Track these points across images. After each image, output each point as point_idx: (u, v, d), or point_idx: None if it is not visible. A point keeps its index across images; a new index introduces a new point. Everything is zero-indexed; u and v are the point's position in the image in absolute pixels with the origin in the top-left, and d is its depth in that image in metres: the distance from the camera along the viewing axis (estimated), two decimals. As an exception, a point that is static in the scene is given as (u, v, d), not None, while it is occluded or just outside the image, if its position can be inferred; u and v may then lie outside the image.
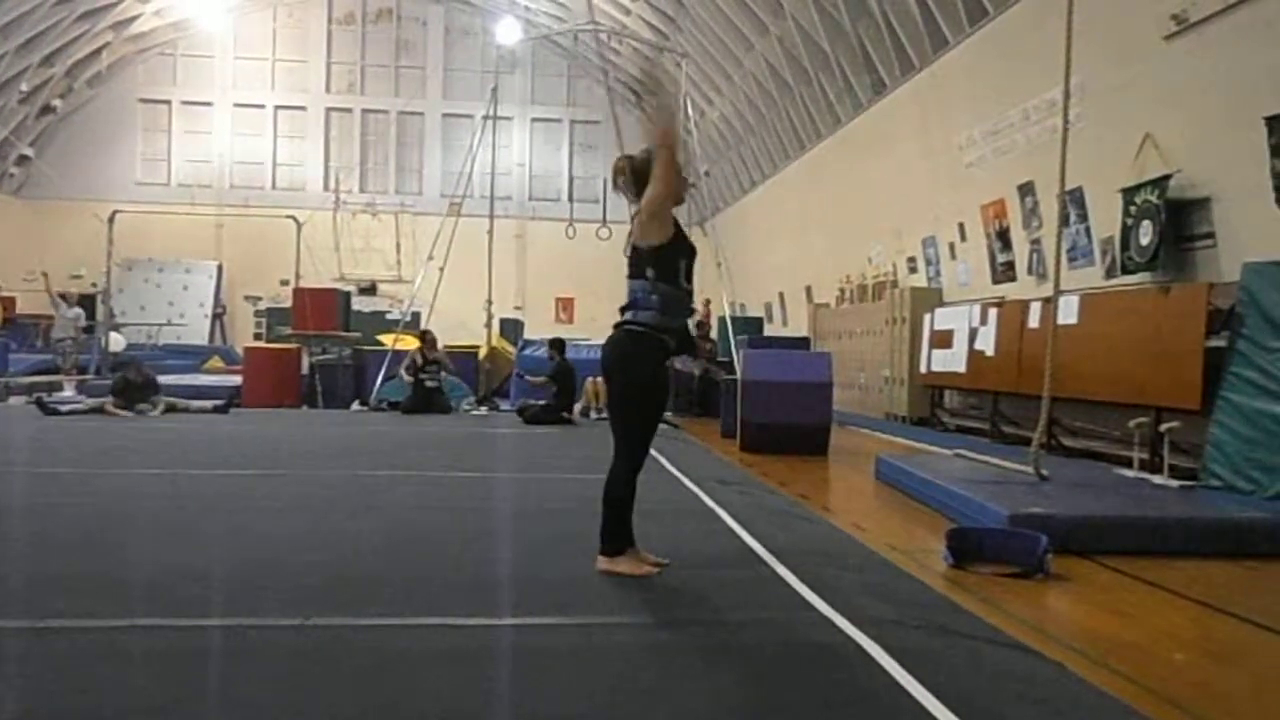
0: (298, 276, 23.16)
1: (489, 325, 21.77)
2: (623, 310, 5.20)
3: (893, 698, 3.39)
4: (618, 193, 5.38)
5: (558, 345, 16.06)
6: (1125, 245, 11.22)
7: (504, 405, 17.81)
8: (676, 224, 5.16)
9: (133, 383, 14.85)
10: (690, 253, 5.20)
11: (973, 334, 14.01)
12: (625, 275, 5.21)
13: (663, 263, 5.08)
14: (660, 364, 5.14)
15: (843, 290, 21.84)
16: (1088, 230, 12.45)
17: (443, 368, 16.73)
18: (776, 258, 27.22)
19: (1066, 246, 11.62)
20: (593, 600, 4.58)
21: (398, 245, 33.13)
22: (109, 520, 6.44)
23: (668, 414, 16.93)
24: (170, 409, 14.71)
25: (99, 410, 14.21)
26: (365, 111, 35.27)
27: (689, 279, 5.19)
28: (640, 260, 5.12)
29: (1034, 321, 12.36)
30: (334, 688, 3.40)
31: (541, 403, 15.40)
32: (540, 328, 28.04)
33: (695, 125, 22.98)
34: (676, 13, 26.42)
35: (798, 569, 5.20)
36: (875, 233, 19.99)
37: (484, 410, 17.16)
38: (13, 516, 6.55)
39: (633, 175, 5.20)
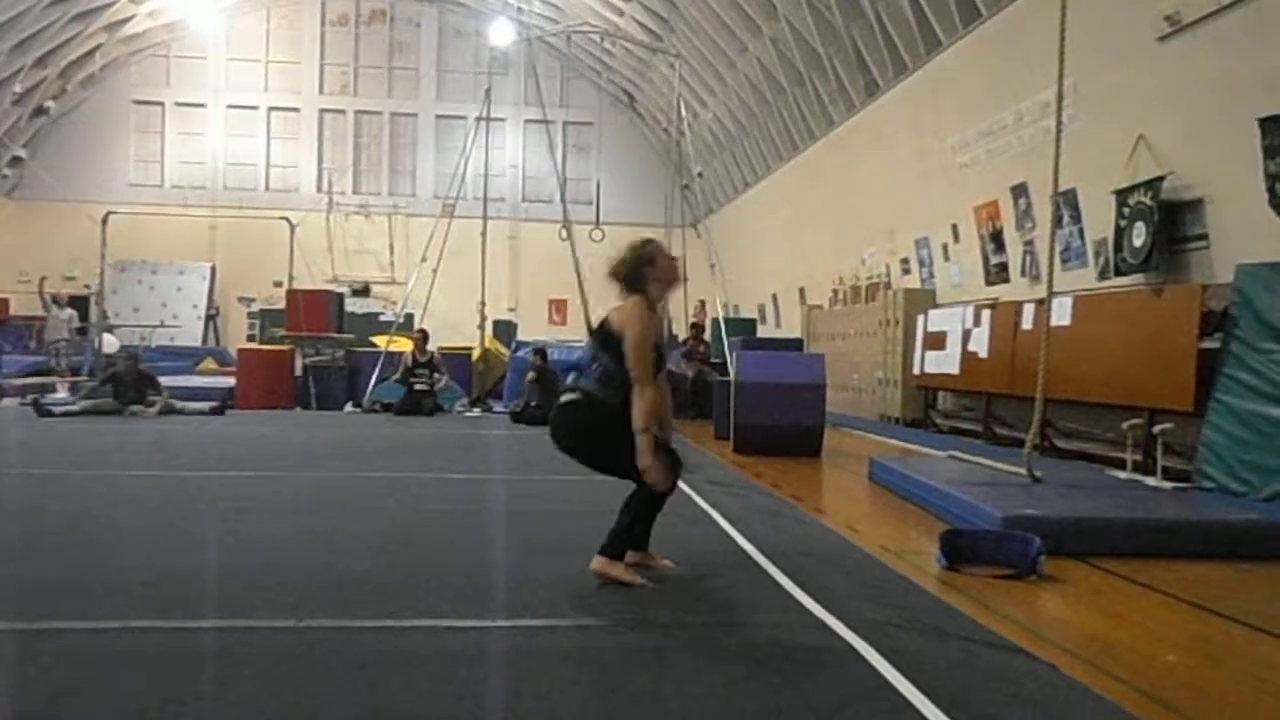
0: (291, 278, 23.13)
1: (482, 327, 21.75)
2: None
3: (886, 699, 3.39)
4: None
5: (540, 354, 16.34)
6: (1118, 247, 11.24)
7: (497, 407, 17.81)
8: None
9: (122, 377, 14.80)
10: (661, 362, 5.14)
11: (966, 335, 14.02)
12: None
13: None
14: (605, 417, 5.06)
15: (836, 291, 21.85)
16: (1081, 232, 12.46)
17: (435, 370, 16.69)
18: (770, 259, 27.23)
19: (1060, 248, 11.66)
20: (586, 602, 4.58)
21: (391, 247, 33.09)
22: (103, 522, 6.43)
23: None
24: (166, 410, 14.67)
25: (91, 411, 14.17)
26: (359, 113, 35.22)
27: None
28: (606, 342, 5.07)
29: (1027, 323, 12.37)
30: (328, 689, 3.40)
31: (534, 404, 15.43)
32: (533, 329, 28.05)
33: (688, 126, 22.96)
34: (670, 14, 26.42)
35: (791, 571, 5.20)
36: (869, 234, 20.00)
37: (477, 412, 17.16)
38: (6, 518, 6.53)
39: (625, 280, 5.13)
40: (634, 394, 4.91)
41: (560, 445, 5.25)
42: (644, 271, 5.09)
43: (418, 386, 16.44)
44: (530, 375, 16.24)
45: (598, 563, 5.02)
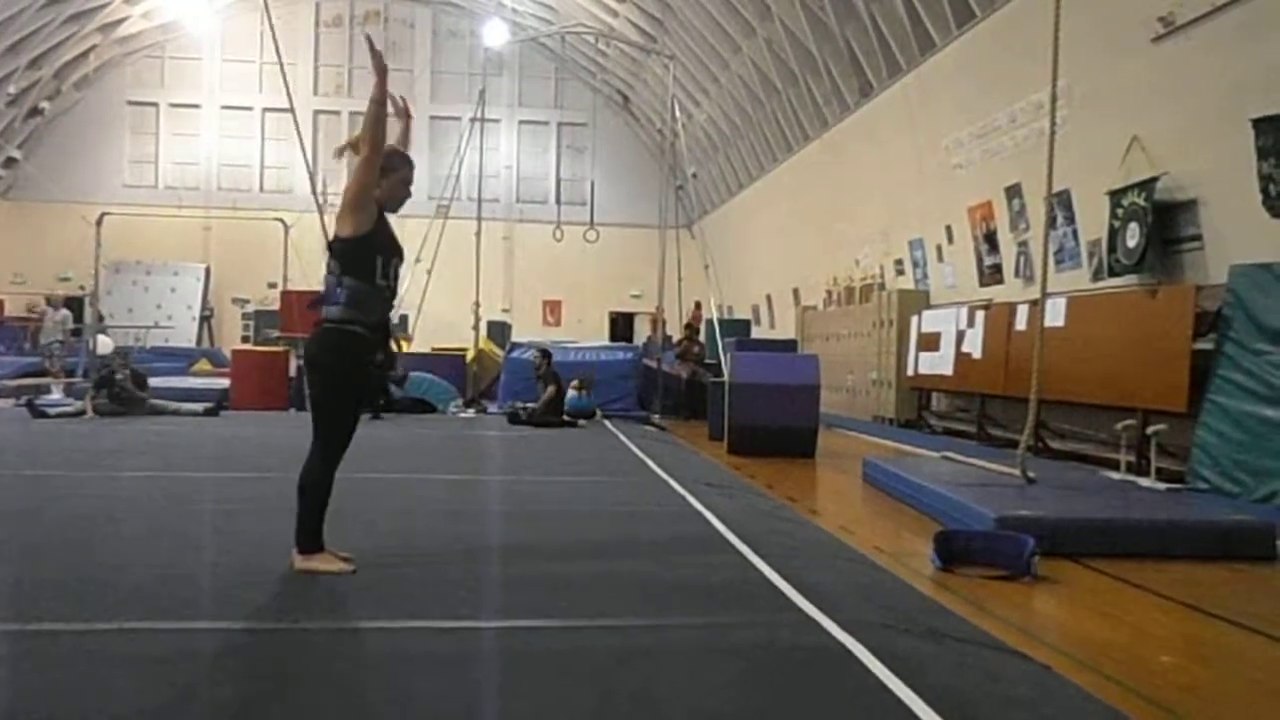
0: (285, 279, 23.11)
1: (476, 328, 21.76)
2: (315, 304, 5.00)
3: (880, 701, 3.38)
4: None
5: (545, 355, 16.13)
6: (1112, 247, 11.25)
7: (491, 408, 17.79)
8: (382, 219, 5.00)
9: (116, 377, 14.76)
10: (392, 249, 5.06)
11: (960, 336, 14.04)
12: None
13: (352, 257, 4.88)
14: (351, 358, 4.93)
15: (830, 292, 21.87)
16: (1075, 232, 12.47)
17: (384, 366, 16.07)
18: (764, 260, 27.26)
19: (1054, 249, 11.66)
20: (577, 603, 4.57)
21: (386, 247, 33.01)
22: (96, 523, 6.40)
23: (654, 416, 17.00)
24: (159, 412, 14.63)
25: (85, 413, 14.13)
26: (353, 114, 35.12)
27: (387, 276, 4.99)
28: (332, 254, 4.93)
29: (1021, 324, 12.39)
30: (320, 691, 3.38)
31: (534, 405, 15.38)
32: (528, 330, 28.04)
33: (682, 127, 22.97)
34: (663, 15, 26.42)
35: (784, 572, 5.19)
36: (863, 235, 20.02)
37: (471, 412, 17.13)
38: (0, 519, 6.51)
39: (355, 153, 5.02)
40: (367, 145, 4.84)
41: (303, 362, 5.11)
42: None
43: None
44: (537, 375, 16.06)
45: (296, 560, 4.90)
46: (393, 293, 5.08)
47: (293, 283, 23.00)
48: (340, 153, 5.35)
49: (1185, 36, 10.31)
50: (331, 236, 5.00)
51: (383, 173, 4.96)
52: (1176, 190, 10.45)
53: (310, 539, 4.94)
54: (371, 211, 4.93)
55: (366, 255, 4.89)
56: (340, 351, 4.89)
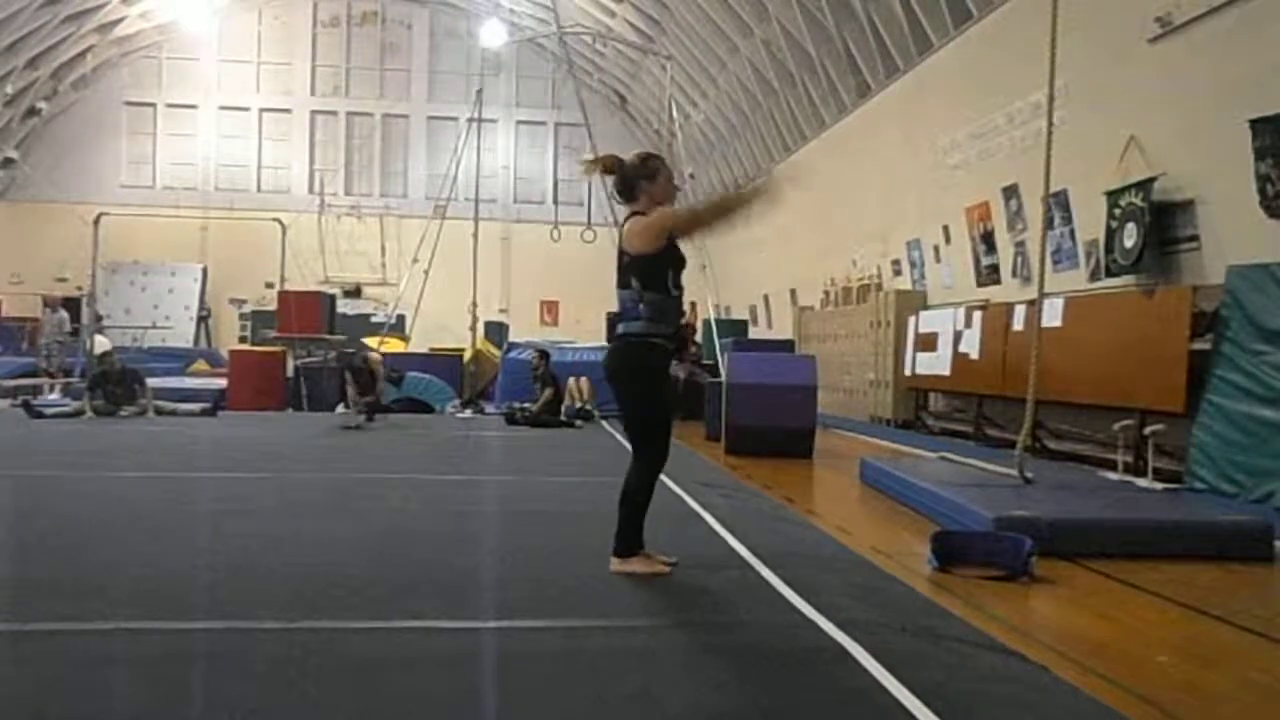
0: (283, 279, 23.10)
1: (474, 328, 21.76)
2: (615, 319, 5.21)
3: (877, 701, 3.38)
4: (590, 174, 5.41)
5: (543, 355, 16.12)
6: (1109, 248, 11.25)
7: (489, 408, 17.78)
8: (670, 237, 5.17)
9: (110, 375, 14.75)
10: (680, 262, 5.22)
11: (957, 337, 14.04)
12: (615, 283, 5.22)
13: (650, 272, 5.08)
14: (658, 368, 5.18)
15: (827, 293, 21.86)
16: (1072, 233, 12.48)
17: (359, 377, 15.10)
18: (761, 260, 27.20)
19: (1051, 249, 11.65)
20: (577, 603, 4.57)
21: (383, 248, 33.06)
22: (94, 523, 6.40)
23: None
24: (157, 411, 14.63)
25: (83, 413, 14.13)
26: (350, 114, 35.21)
27: (678, 286, 5.19)
28: (627, 269, 5.13)
29: (1018, 324, 12.40)
30: (319, 691, 3.38)
31: (530, 405, 15.37)
32: (525, 330, 28.02)
33: (680, 128, 22.98)
34: (661, 15, 26.42)
35: (782, 572, 5.19)
36: (860, 235, 20.02)
37: (468, 413, 17.13)
38: (-4, 520, 6.51)
39: (620, 180, 5.23)
40: (693, 223, 5.18)
41: (608, 378, 5.35)
42: (641, 183, 5.18)
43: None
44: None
45: (615, 564, 5.06)
46: (680, 300, 5.30)
47: (290, 283, 23.01)
48: (589, 169, 5.48)
49: (1182, 37, 10.32)
50: (623, 255, 5.17)
51: (651, 178, 5.20)
52: (1174, 190, 10.45)
53: (628, 545, 5.12)
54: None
55: (661, 269, 5.10)
56: (647, 363, 5.15)
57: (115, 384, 14.69)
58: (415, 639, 3.99)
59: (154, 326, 28.11)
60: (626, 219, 5.17)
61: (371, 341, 21.01)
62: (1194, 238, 10.31)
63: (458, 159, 21.00)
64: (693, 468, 10.10)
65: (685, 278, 5.22)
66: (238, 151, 34.58)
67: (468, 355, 20.84)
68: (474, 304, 21.19)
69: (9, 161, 31.61)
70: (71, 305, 24.61)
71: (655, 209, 5.14)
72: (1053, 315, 10.96)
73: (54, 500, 7.27)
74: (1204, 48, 10.04)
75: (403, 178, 35.06)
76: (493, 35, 29.67)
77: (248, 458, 10.21)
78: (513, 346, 19.91)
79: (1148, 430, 9.11)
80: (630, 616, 4.38)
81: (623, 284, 5.15)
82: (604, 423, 14.68)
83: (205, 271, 32.39)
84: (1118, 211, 11.09)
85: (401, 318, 24.10)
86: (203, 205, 32.75)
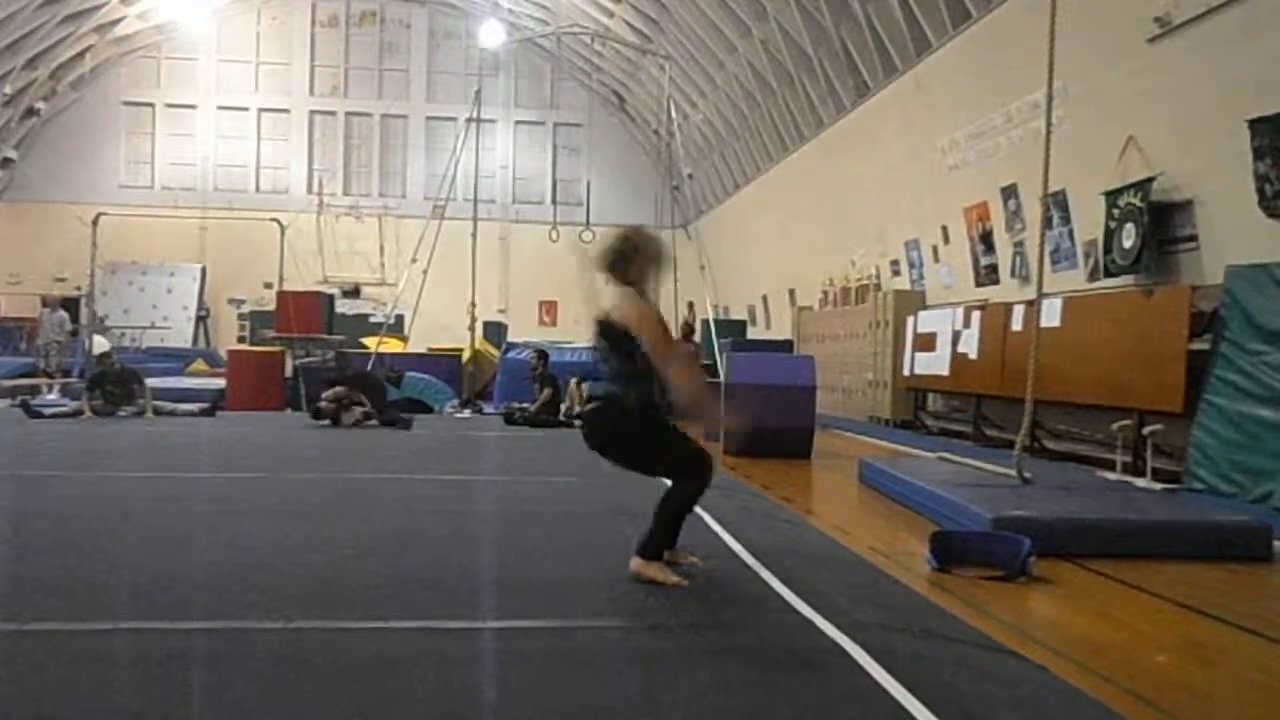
0: (281, 279, 23.10)
1: (472, 328, 21.75)
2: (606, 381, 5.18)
3: (876, 702, 3.38)
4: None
5: (542, 355, 16.06)
6: (1108, 248, 11.26)
7: (487, 408, 17.79)
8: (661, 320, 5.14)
9: (108, 375, 14.74)
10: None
11: (956, 337, 14.05)
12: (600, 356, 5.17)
13: (648, 362, 4.99)
14: (650, 418, 5.10)
15: (826, 293, 21.87)
16: (1071, 233, 12.49)
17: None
18: (760, 260, 27.25)
19: (1050, 249, 11.66)
20: (576, 603, 4.57)
21: (381, 248, 33.04)
22: (93, 523, 6.40)
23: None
24: (155, 411, 14.61)
25: (82, 413, 14.12)
26: (349, 114, 35.18)
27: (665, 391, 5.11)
28: (618, 347, 5.04)
29: (1017, 324, 12.40)
30: (318, 691, 3.38)
31: (528, 405, 15.36)
32: (524, 331, 28.02)
33: (678, 128, 22.98)
34: (659, 15, 26.42)
35: (781, 572, 5.20)
36: (858, 235, 20.03)
37: (467, 413, 17.13)
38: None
39: (612, 271, 5.13)
40: (669, 374, 4.93)
41: (592, 446, 5.24)
42: (631, 260, 5.10)
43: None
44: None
45: (635, 563, 5.03)
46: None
47: (288, 283, 23.01)
48: (592, 270, 5.29)
49: (1181, 37, 10.32)
50: (622, 330, 5.03)
51: (632, 259, 5.11)
52: (1172, 191, 10.46)
53: (654, 549, 5.06)
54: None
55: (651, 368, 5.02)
56: (640, 416, 5.07)
57: (114, 384, 14.66)
58: (415, 639, 3.99)
59: (153, 326, 28.12)
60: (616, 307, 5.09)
61: (370, 341, 21.02)
62: (1193, 238, 10.32)
63: (456, 159, 20.97)
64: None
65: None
66: (236, 152, 34.55)
67: (466, 355, 20.85)
68: (473, 304, 21.18)
69: (8, 161, 31.59)
70: (70, 305, 24.63)
71: (654, 276, 5.15)
72: (1051, 315, 10.96)
73: (53, 500, 7.26)
74: (1203, 48, 10.04)
75: (401, 178, 35.04)
76: (491, 35, 29.64)
77: (246, 458, 10.21)
78: (511, 347, 19.91)
79: (1146, 430, 9.11)
80: (630, 616, 4.38)
81: (602, 353, 5.14)
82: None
83: (204, 271, 32.36)
84: (1116, 211, 11.09)
85: (400, 318, 24.08)
86: (201, 205, 32.70)
